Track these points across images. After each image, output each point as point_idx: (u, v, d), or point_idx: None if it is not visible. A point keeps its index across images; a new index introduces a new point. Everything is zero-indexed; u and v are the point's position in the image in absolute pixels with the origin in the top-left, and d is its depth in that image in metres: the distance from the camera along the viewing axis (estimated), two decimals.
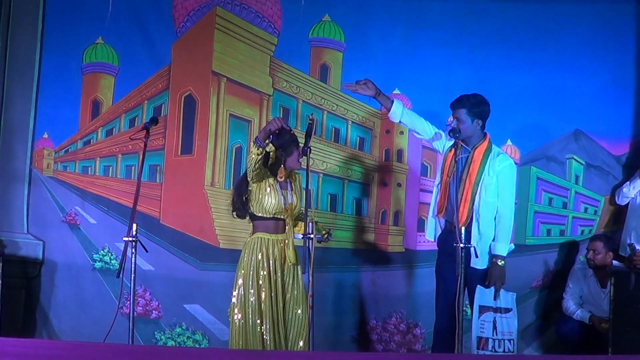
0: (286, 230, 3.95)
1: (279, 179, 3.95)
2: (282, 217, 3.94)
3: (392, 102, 4.13)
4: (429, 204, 4.31)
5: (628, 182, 4.92)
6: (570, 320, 4.73)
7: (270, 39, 5.16)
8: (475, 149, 4.04)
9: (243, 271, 3.90)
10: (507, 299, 3.99)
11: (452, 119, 4.09)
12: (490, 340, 3.89)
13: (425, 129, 4.20)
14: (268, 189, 3.92)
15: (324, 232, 4.09)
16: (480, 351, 3.86)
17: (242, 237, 4.75)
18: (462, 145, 4.00)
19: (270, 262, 3.90)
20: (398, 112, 4.11)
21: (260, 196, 3.92)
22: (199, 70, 5.13)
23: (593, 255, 4.64)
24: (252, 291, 3.85)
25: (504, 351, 3.89)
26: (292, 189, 4.01)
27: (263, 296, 3.85)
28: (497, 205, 4.00)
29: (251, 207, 3.96)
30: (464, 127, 4.01)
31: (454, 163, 3.96)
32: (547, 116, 5.08)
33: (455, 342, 3.74)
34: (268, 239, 3.93)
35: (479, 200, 3.98)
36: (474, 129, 4.03)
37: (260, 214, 3.95)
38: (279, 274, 3.91)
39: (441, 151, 4.25)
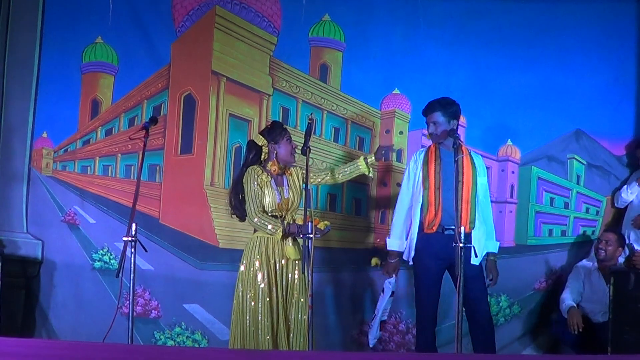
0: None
1: (272, 172, 3.93)
2: (279, 214, 3.92)
3: None
4: None
5: (625, 186, 4.91)
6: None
7: (270, 38, 5.15)
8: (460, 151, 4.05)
9: (242, 273, 3.89)
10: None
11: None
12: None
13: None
14: (263, 186, 3.88)
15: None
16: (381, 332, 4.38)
17: (242, 237, 4.74)
18: (441, 147, 4.04)
19: (271, 262, 3.88)
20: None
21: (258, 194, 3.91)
22: (198, 69, 5.12)
23: (605, 245, 4.62)
24: (250, 295, 3.84)
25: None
26: (288, 185, 3.99)
27: (262, 300, 3.83)
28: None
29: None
30: (442, 129, 4.03)
31: (439, 168, 3.99)
32: (548, 116, 5.07)
33: (456, 343, 3.73)
34: (268, 238, 3.90)
35: (477, 201, 4.04)
36: (451, 130, 4.04)
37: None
38: (280, 273, 3.89)
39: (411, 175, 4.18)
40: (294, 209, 3.99)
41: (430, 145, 4.14)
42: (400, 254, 4.21)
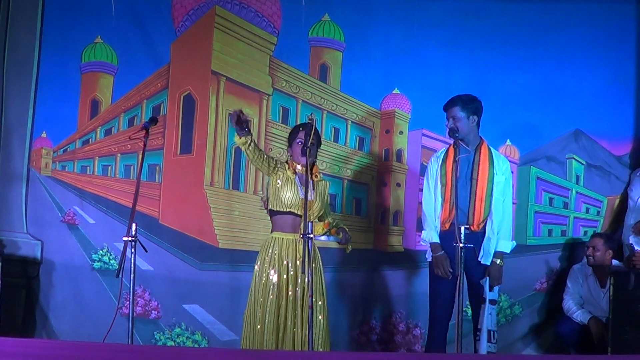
0: (301, 228, 3.94)
1: (295, 171, 3.99)
2: (299, 212, 3.91)
3: None
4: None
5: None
6: (570, 321, 4.72)
7: (270, 38, 5.15)
8: (480, 149, 4.07)
9: (255, 272, 3.92)
10: (495, 291, 4.05)
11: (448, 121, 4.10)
12: (492, 332, 3.95)
13: None
14: (286, 181, 3.92)
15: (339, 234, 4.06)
16: (490, 344, 3.89)
17: (242, 237, 4.75)
18: (461, 144, 4.01)
19: (284, 263, 3.88)
20: None
21: (278, 188, 3.93)
22: (198, 69, 5.11)
23: (592, 252, 4.64)
24: (259, 295, 3.87)
25: (496, 341, 3.97)
26: (314, 188, 3.98)
27: (269, 300, 3.85)
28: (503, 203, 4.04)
29: (270, 203, 3.98)
30: (461, 124, 4.03)
31: (455, 164, 3.95)
32: (547, 116, 5.09)
33: (456, 343, 3.74)
34: (283, 238, 3.91)
35: (492, 199, 4.01)
36: (470, 125, 4.05)
37: (277, 208, 3.93)
38: (294, 273, 3.88)
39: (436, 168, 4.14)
40: (318, 211, 4.00)
41: (451, 144, 4.10)
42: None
